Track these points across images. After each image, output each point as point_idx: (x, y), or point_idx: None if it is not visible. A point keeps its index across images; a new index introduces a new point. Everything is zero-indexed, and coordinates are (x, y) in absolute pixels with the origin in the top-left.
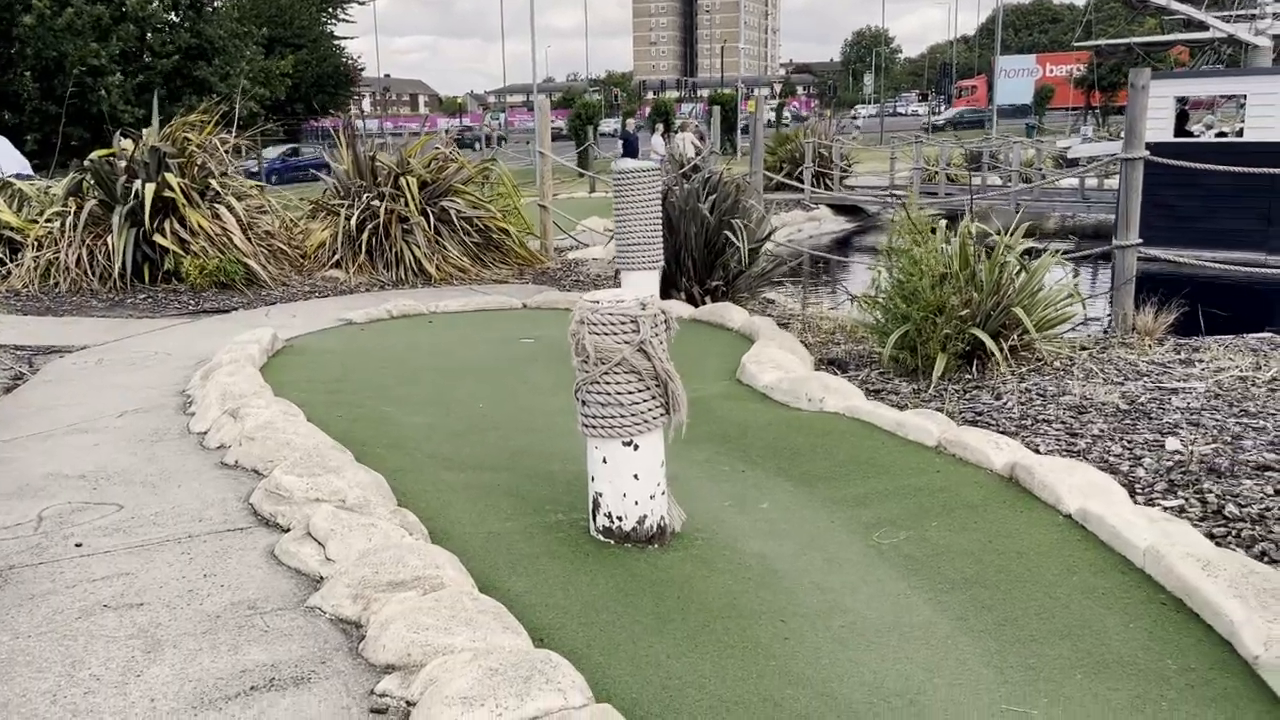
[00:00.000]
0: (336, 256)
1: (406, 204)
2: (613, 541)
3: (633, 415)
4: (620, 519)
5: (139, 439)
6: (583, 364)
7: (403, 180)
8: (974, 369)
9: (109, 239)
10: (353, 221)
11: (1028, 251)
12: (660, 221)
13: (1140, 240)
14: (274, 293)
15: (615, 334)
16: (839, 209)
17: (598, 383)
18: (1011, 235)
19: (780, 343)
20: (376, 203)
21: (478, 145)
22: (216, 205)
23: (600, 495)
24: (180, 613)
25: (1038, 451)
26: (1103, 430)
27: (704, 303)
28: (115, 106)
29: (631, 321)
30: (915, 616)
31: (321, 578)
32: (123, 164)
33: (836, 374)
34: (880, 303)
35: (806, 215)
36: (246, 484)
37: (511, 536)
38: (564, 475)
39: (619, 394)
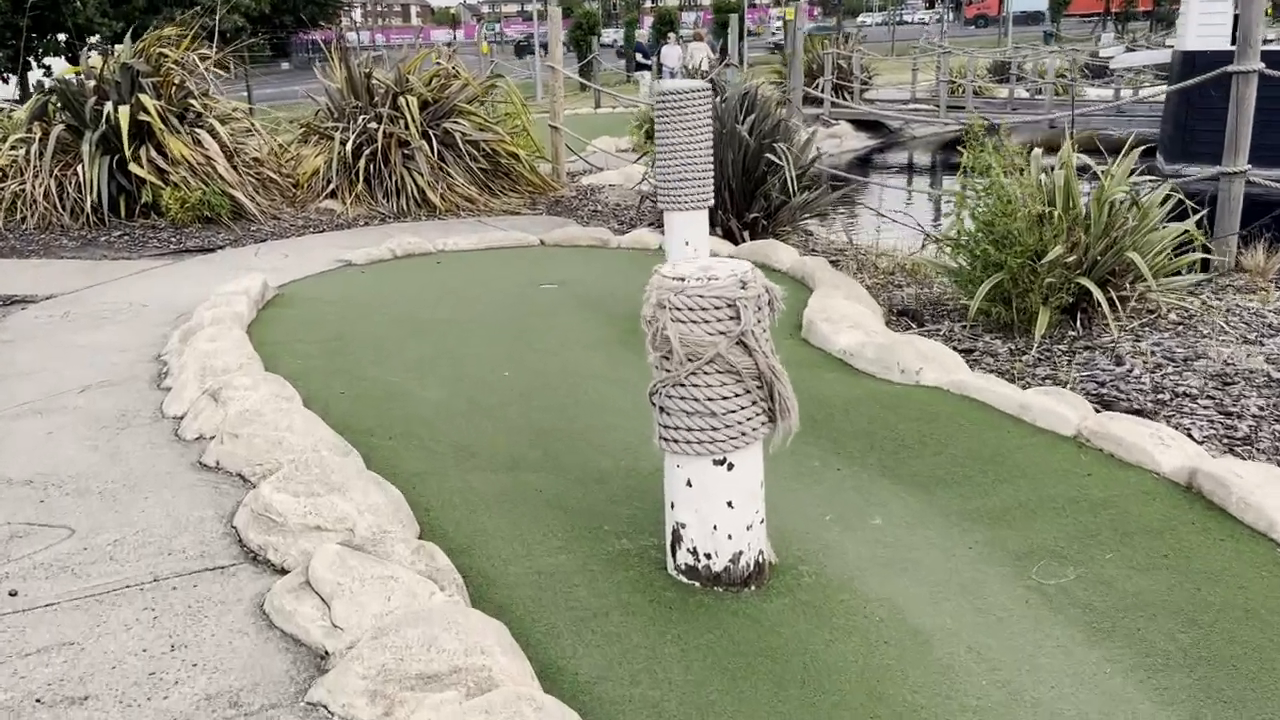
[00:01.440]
0: (331, 186)
1: (406, 126)
2: (698, 584)
3: (728, 426)
4: (709, 557)
5: (102, 425)
6: (663, 360)
7: (402, 100)
8: (1078, 324)
9: (80, 169)
10: (348, 147)
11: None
12: (711, 152)
13: (1248, 166)
14: (264, 228)
15: (708, 322)
16: (859, 125)
17: (682, 385)
18: (1120, 161)
19: (846, 291)
20: (374, 125)
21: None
22: (198, 130)
23: (682, 527)
24: (136, 713)
25: (1191, 437)
26: (1263, 409)
27: (743, 239)
28: (91, 20)
29: (729, 306)
30: (1132, 714)
31: (327, 652)
32: (92, 84)
33: (912, 328)
34: (964, 245)
35: (827, 132)
36: (230, 495)
37: (568, 577)
38: (618, 474)
39: (710, 399)
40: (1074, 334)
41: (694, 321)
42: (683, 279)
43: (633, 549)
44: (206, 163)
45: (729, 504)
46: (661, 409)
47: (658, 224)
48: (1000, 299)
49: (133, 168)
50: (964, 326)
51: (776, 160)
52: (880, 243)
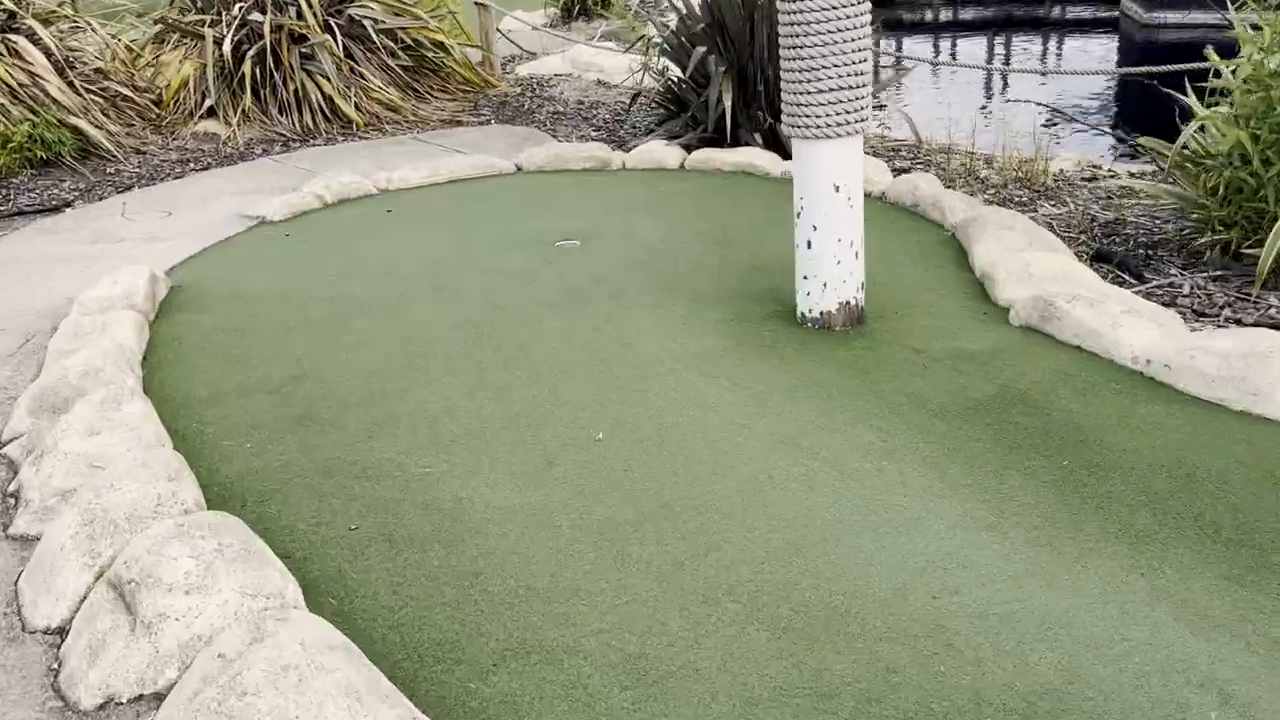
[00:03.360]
0: (209, 102)
1: (300, 15)
2: None
3: None
4: None
5: None
6: None
7: None
8: None
9: None
10: (225, 47)
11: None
12: (868, 55)
13: None
14: (125, 168)
15: None
16: None
17: None
18: None
19: (1025, 232)
20: (256, 16)
21: None
22: (12, 37)
23: None
24: None
25: None
26: None
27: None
28: None
29: None
30: None
31: None
32: None
33: (1129, 283)
34: (1215, 166)
35: None
36: None
37: None
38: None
39: None
40: None
41: None
42: None
43: None
44: (32, 82)
45: None
46: None
47: (672, 136)
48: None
49: None
50: (1216, 280)
51: None
52: (962, 139)
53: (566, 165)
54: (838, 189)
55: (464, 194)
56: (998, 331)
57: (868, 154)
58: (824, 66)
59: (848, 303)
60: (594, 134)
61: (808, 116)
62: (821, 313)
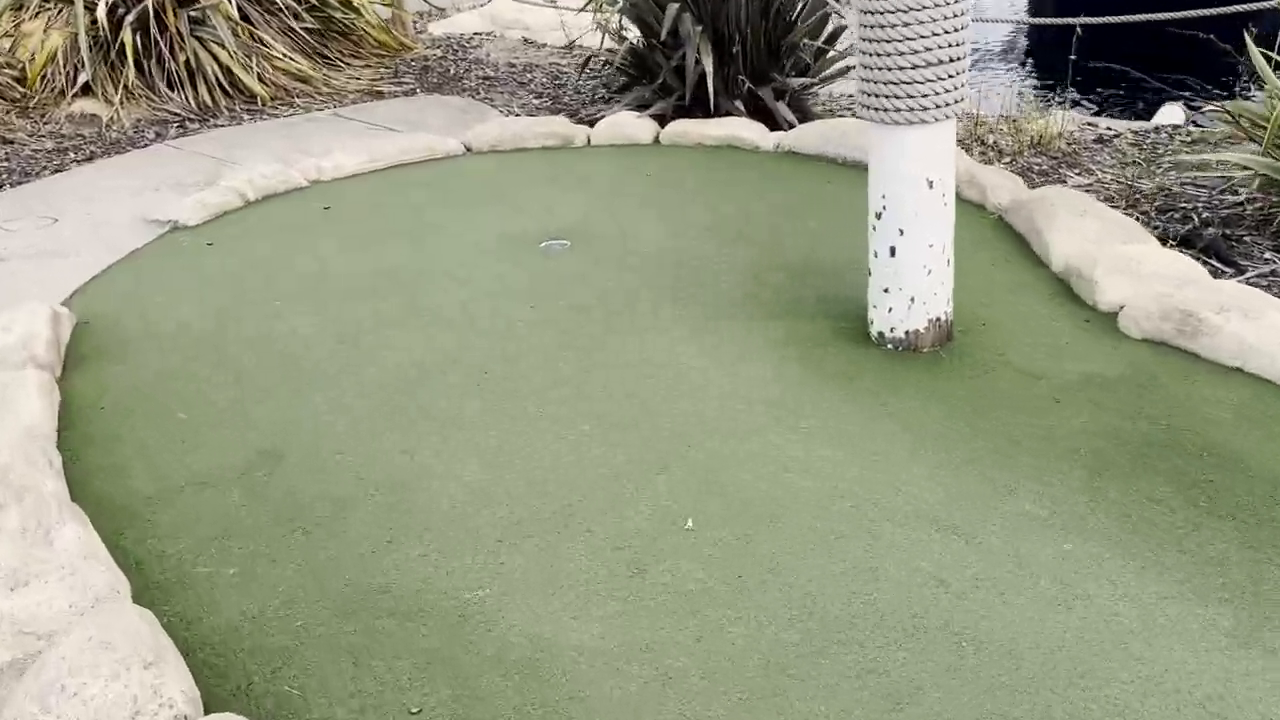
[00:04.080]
0: (83, 77)
1: None
2: None
3: None
4: None
5: None
6: None
7: None
8: None
9: None
10: (100, 12)
11: None
12: (968, 21)
13: None
14: None
15: None
16: None
17: None
18: None
19: (1095, 212)
20: None
21: None
22: None
23: None
24: None
25: None
26: None
27: (784, 121)
28: None
29: None
30: None
31: None
32: None
33: (1214, 267)
34: None
35: None
36: None
37: None
38: None
39: None
40: None
41: None
42: None
43: None
44: None
45: None
46: None
47: (640, 105)
48: None
49: None
50: None
51: None
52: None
53: (523, 143)
54: (931, 184)
55: (411, 183)
56: (1120, 348)
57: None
58: (923, 35)
59: (938, 319)
60: (536, 102)
61: (897, 96)
62: (908, 332)
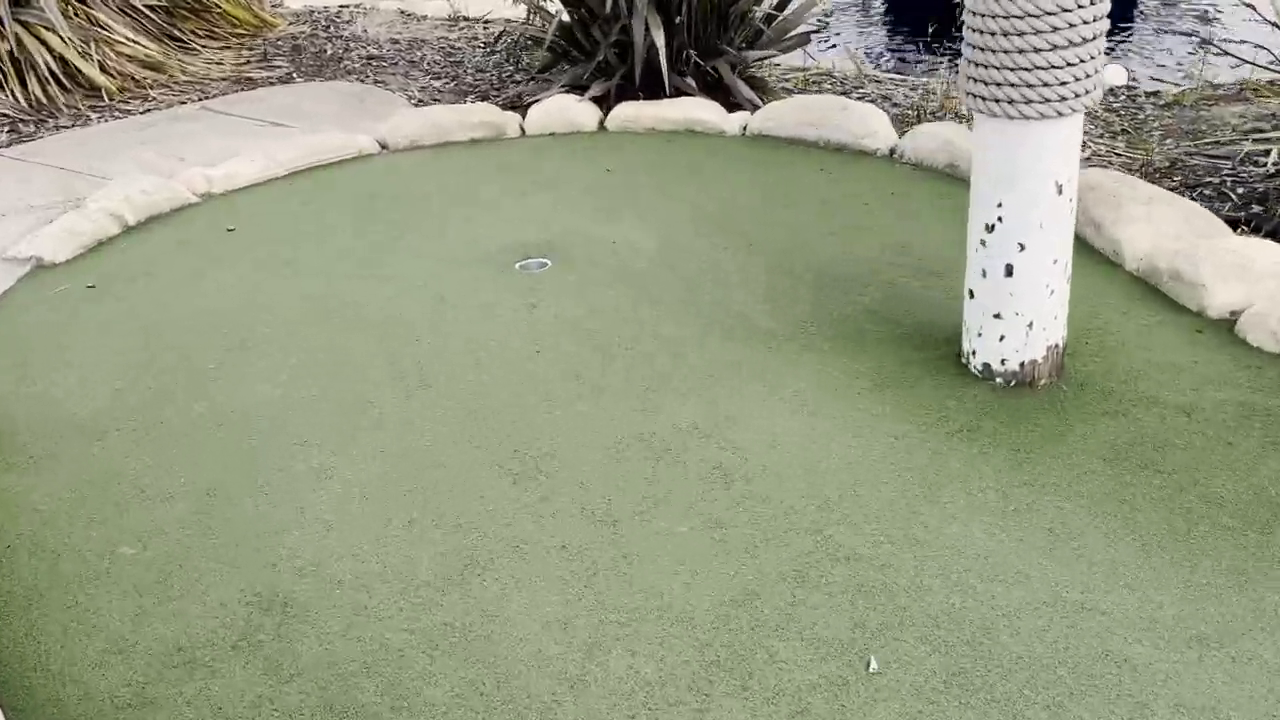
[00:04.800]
0: None
1: None
2: None
3: None
4: None
5: None
6: None
7: None
8: None
9: None
10: None
11: None
12: None
13: None
14: None
15: None
16: None
17: None
18: None
19: (1162, 199)
20: None
21: None
22: None
23: None
24: None
25: None
26: None
27: (745, 100)
28: None
29: None
30: None
31: None
32: None
33: None
34: None
35: None
36: None
37: None
38: None
39: None
40: None
41: None
42: None
43: None
44: None
45: None
46: None
47: (575, 86)
48: None
49: None
50: None
51: None
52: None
53: (449, 136)
54: (1060, 189)
55: (327, 192)
56: (1259, 365)
57: (809, 90)
58: (1065, 8)
59: (1055, 346)
60: (438, 84)
61: (1029, 85)
62: (1023, 364)
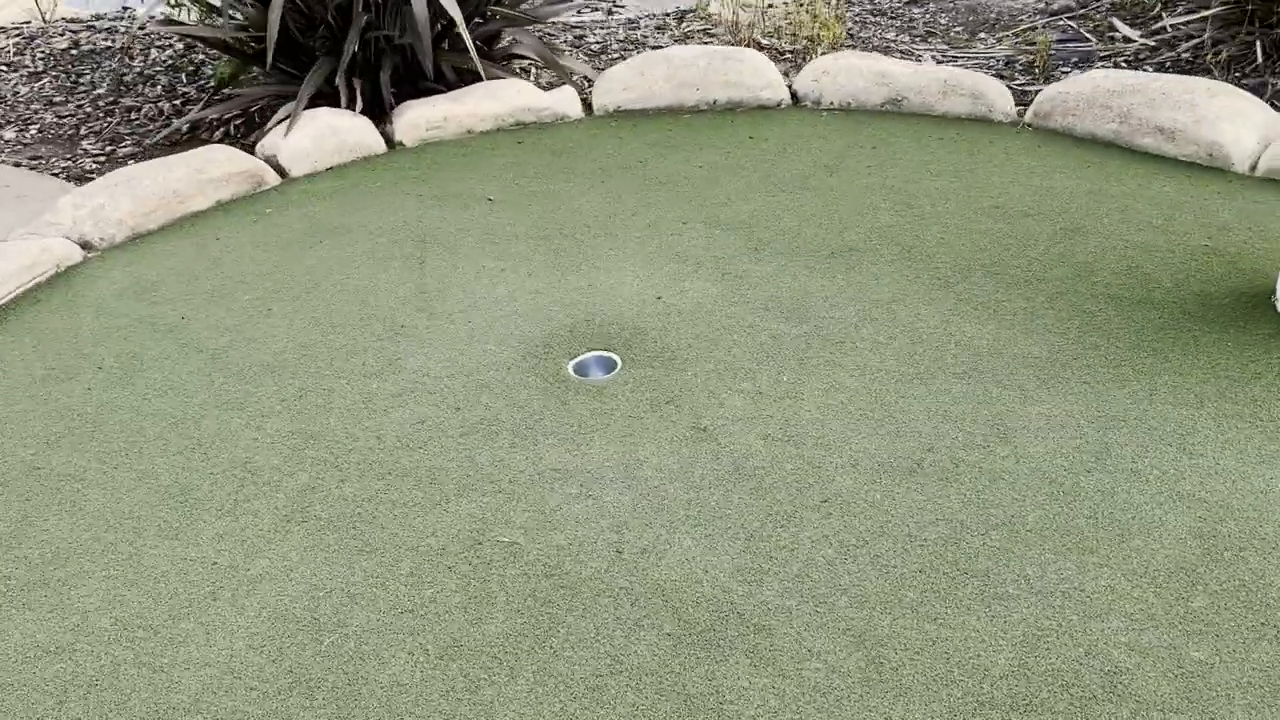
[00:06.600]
0: None
1: None
2: None
3: None
4: None
5: None
6: None
7: None
8: None
9: None
10: None
11: None
12: None
13: None
14: None
15: None
16: None
17: None
18: None
19: (1211, 86)
20: None
21: None
22: None
23: None
24: None
25: None
26: None
27: (566, 74)
28: None
29: None
30: None
31: None
32: None
33: None
34: None
35: None
36: None
37: None
38: None
39: None
40: None
41: None
42: None
43: None
44: None
45: None
46: None
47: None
48: None
49: None
50: None
51: None
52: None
53: (187, 205)
54: None
55: (208, 235)
56: None
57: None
58: None
59: None
60: (27, 137)
61: None
62: None
